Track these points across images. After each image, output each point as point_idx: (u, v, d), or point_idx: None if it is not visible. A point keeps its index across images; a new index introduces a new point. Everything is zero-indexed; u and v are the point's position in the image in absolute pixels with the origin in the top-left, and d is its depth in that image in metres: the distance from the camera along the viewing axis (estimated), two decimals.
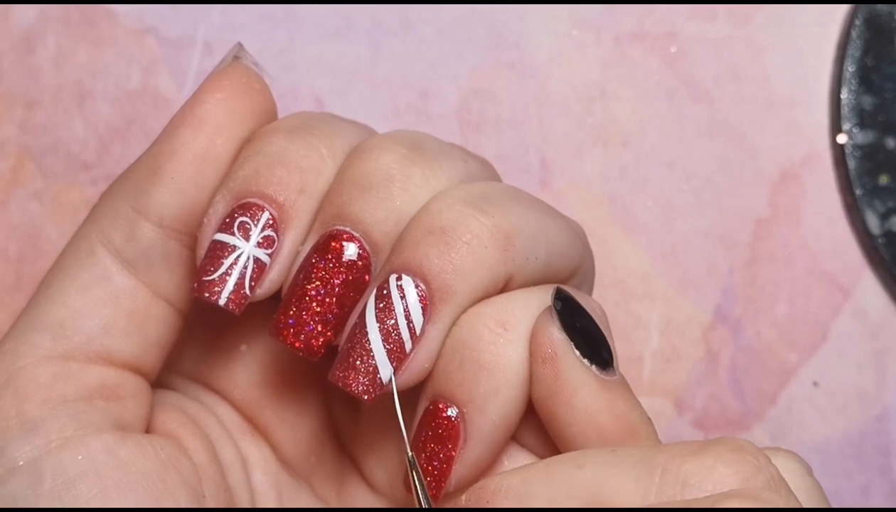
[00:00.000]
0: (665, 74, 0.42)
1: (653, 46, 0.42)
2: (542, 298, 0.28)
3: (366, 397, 0.27)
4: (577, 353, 0.27)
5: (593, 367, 0.27)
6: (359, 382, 0.27)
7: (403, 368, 0.27)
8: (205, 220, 0.28)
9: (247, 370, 0.31)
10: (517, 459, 0.28)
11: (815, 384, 0.42)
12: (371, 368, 0.27)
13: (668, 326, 0.42)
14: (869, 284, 0.42)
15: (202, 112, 0.28)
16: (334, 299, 0.27)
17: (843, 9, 0.42)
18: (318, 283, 0.27)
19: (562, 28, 0.43)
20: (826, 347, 0.42)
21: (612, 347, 0.28)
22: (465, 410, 0.27)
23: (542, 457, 0.28)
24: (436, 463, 0.27)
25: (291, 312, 0.27)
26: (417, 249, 0.27)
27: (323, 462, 0.31)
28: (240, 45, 0.29)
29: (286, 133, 0.28)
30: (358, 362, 0.27)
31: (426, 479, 0.27)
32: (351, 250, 0.28)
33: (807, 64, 0.43)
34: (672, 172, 0.42)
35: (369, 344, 0.27)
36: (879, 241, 0.42)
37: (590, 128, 0.42)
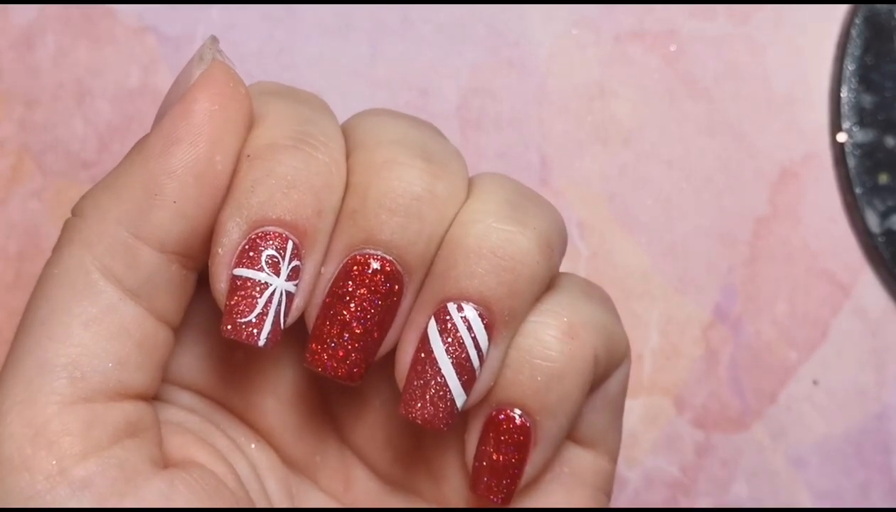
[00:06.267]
0: (665, 73, 0.42)
1: (652, 45, 0.42)
2: (589, 298, 0.29)
3: (444, 428, 0.27)
4: None
5: None
6: (439, 418, 0.27)
7: (472, 391, 0.28)
8: (218, 249, 0.27)
9: (243, 376, 0.30)
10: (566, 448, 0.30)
11: (815, 383, 0.42)
12: (449, 402, 0.27)
13: (667, 324, 0.42)
14: (869, 283, 0.42)
15: (198, 126, 0.27)
16: (371, 324, 0.27)
17: (843, 8, 0.42)
18: (354, 308, 0.27)
19: (561, 26, 0.43)
20: (826, 346, 0.42)
21: None
22: (537, 418, 0.28)
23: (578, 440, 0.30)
24: (508, 469, 0.28)
25: (329, 340, 0.27)
26: (474, 278, 0.27)
27: (327, 459, 0.31)
28: (214, 38, 0.28)
29: (290, 149, 0.27)
30: (436, 399, 0.27)
31: (499, 480, 0.28)
32: (385, 274, 0.27)
33: (806, 62, 0.43)
34: (672, 171, 0.42)
35: (443, 378, 0.27)
36: (879, 239, 0.42)
37: (589, 126, 0.42)
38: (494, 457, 0.28)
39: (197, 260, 0.28)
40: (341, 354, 0.27)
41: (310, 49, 0.42)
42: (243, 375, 0.30)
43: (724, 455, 0.42)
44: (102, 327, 0.26)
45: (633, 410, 0.42)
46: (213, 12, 0.42)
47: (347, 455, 0.31)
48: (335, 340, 0.27)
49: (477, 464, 0.28)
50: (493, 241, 0.27)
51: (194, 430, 0.29)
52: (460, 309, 0.27)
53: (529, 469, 0.28)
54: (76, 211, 0.27)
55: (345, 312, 0.27)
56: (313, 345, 0.27)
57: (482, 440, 0.28)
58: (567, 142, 0.42)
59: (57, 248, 0.27)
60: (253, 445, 0.30)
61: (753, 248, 0.42)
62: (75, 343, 0.26)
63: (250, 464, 0.30)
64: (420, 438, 0.31)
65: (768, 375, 0.42)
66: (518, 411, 0.28)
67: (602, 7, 0.42)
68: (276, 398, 0.30)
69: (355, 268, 0.27)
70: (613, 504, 0.42)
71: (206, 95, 0.27)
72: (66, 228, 0.27)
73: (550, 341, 0.28)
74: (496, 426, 0.28)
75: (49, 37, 0.42)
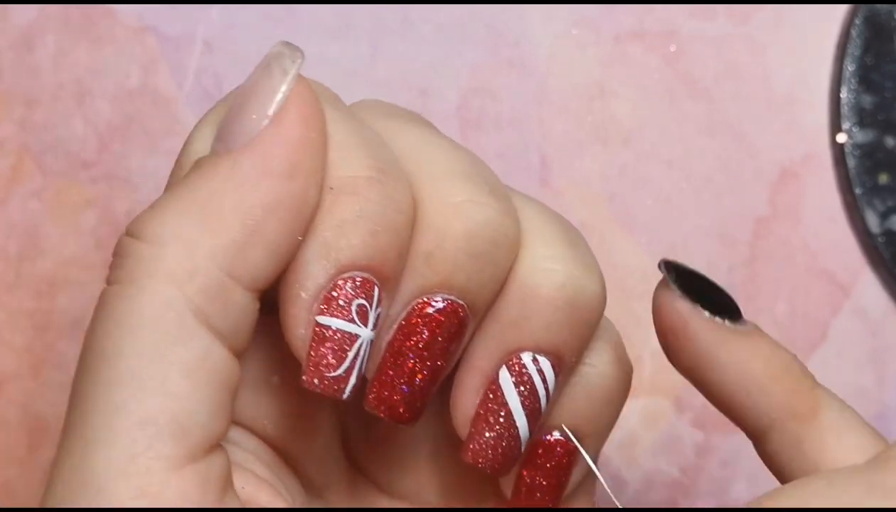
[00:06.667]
0: (665, 73, 0.42)
1: (652, 45, 0.42)
2: (606, 319, 0.29)
3: (510, 470, 0.27)
4: (707, 314, 0.27)
5: (726, 322, 0.27)
6: (508, 465, 0.27)
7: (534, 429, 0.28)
8: (301, 292, 0.25)
9: (280, 403, 0.28)
10: None
11: None
12: (518, 449, 0.27)
13: None
14: (868, 283, 0.42)
15: (296, 157, 0.24)
16: (438, 369, 0.26)
17: (843, 8, 0.42)
18: (425, 353, 0.26)
19: (561, 26, 0.43)
20: (825, 346, 0.42)
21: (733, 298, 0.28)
22: (589, 441, 0.28)
23: None
24: (555, 490, 0.28)
25: (396, 385, 0.26)
26: (550, 330, 0.26)
27: (340, 480, 0.30)
28: (295, 47, 0.26)
29: (374, 184, 0.25)
30: (508, 449, 0.27)
31: (542, 502, 0.28)
32: (459, 320, 0.26)
33: (806, 63, 0.43)
34: (672, 171, 0.42)
35: (517, 430, 0.27)
36: (879, 239, 0.42)
37: (589, 126, 0.42)
38: (541, 480, 0.28)
39: (267, 292, 0.25)
40: (409, 398, 0.26)
41: (310, 49, 0.42)
42: (278, 399, 0.28)
43: (724, 456, 0.42)
44: (200, 376, 0.24)
45: (633, 411, 0.42)
46: (213, 12, 0.42)
47: (357, 474, 0.30)
48: (405, 384, 0.26)
49: (520, 486, 0.28)
50: (568, 291, 0.26)
51: (240, 462, 0.27)
52: (535, 361, 0.26)
53: (569, 487, 0.28)
54: (142, 235, 0.24)
55: (414, 357, 0.26)
56: (380, 390, 0.26)
57: (527, 462, 0.28)
58: (567, 142, 0.42)
59: (129, 278, 0.24)
60: (286, 475, 0.29)
61: (753, 248, 0.42)
62: (175, 396, 0.24)
63: (287, 487, 0.28)
64: (437, 458, 0.30)
65: None
66: (574, 437, 0.28)
67: (602, 7, 0.42)
68: (302, 420, 0.29)
69: (428, 312, 0.26)
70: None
71: (301, 121, 0.25)
72: (138, 257, 0.24)
73: (606, 368, 0.28)
74: (546, 450, 0.28)
75: (49, 37, 0.42)
